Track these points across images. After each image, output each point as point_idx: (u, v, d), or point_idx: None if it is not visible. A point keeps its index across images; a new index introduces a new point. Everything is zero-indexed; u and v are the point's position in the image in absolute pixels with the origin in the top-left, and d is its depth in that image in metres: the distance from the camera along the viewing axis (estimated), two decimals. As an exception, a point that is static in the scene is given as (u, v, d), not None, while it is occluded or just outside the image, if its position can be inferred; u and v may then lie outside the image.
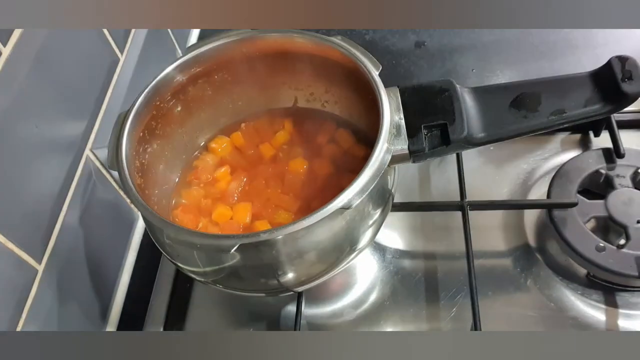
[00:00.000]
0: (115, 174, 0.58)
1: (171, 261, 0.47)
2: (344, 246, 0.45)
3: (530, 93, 0.47)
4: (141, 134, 0.49)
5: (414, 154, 0.45)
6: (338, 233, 0.44)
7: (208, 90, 0.55)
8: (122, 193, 0.60)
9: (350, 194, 0.41)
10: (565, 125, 0.47)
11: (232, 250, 0.39)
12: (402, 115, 0.46)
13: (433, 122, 0.46)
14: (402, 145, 0.45)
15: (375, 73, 0.47)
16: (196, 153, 0.58)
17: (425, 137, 0.46)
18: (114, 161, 0.46)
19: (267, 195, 0.53)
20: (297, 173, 0.54)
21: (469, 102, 0.47)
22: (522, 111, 0.47)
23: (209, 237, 0.42)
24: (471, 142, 0.46)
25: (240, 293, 0.50)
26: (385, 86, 0.47)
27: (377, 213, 0.47)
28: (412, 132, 0.46)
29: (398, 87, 0.48)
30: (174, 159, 0.56)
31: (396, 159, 0.45)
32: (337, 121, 0.57)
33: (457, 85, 0.48)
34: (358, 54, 0.49)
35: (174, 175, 0.56)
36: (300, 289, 0.52)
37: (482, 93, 0.48)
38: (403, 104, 0.47)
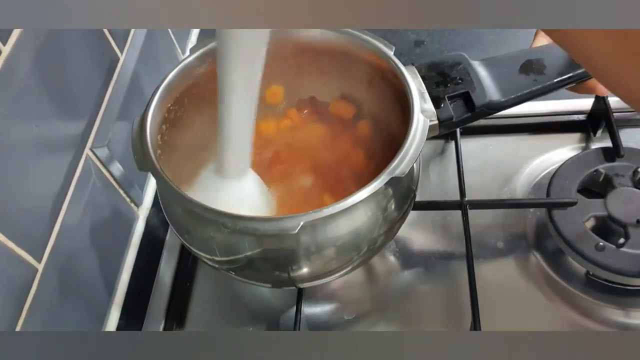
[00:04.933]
0: (115, 172, 0.58)
1: (190, 249, 0.48)
2: (362, 245, 0.45)
3: (534, 59, 0.51)
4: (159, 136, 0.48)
5: (443, 123, 0.47)
6: (359, 228, 0.44)
7: None
8: (121, 192, 0.60)
9: (402, 161, 0.41)
10: (572, 85, 0.51)
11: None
12: (424, 89, 0.48)
13: (455, 92, 0.48)
14: (431, 117, 0.46)
15: (390, 53, 0.49)
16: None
17: (450, 107, 0.48)
18: (142, 163, 0.44)
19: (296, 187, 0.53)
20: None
21: (482, 72, 0.50)
22: (531, 75, 0.50)
23: (256, 220, 0.41)
24: (493, 107, 0.49)
25: (247, 282, 0.51)
26: None
27: (399, 212, 0.47)
28: (437, 103, 0.47)
29: (413, 64, 0.50)
30: (190, 160, 0.54)
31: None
32: (359, 113, 0.57)
33: (468, 58, 0.50)
34: (369, 39, 0.50)
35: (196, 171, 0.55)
36: (310, 285, 0.51)
37: (492, 64, 0.51)
38: (422, 79, 0.49)
